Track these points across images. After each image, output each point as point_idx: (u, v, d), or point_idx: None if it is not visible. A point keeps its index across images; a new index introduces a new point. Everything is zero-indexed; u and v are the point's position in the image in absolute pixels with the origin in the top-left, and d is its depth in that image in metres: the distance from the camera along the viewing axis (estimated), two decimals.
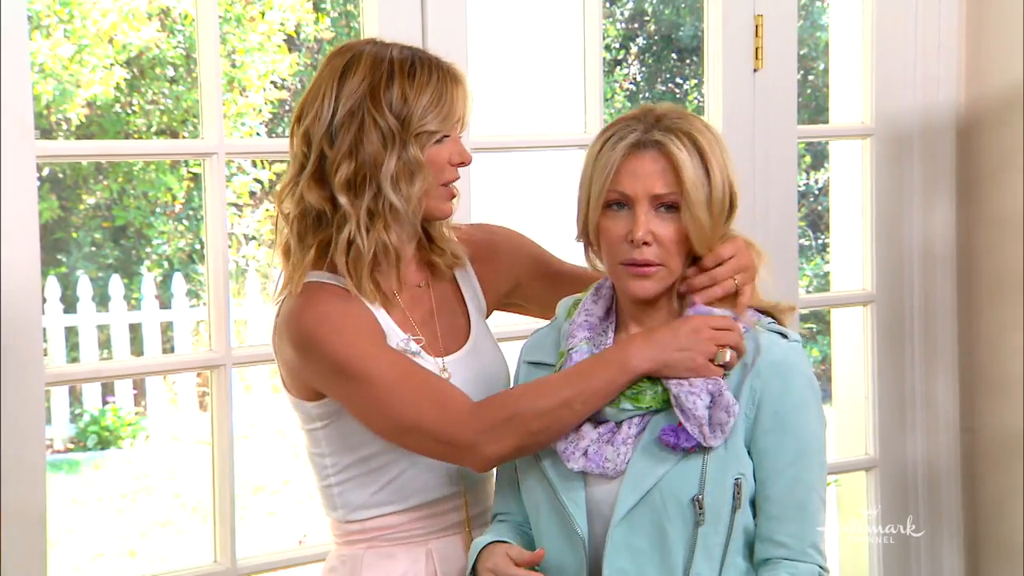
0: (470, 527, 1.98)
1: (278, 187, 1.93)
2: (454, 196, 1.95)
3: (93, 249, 10.11)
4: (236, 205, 9.88)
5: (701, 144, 1.82)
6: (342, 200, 1.85)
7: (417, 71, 1.88)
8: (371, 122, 1.85)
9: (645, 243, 1.82)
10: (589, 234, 1.89)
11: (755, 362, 1.82)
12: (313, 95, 1.89)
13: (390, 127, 1.85)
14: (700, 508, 1.78)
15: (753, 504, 1.83)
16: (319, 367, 1.86)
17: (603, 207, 1.85)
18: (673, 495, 1.79)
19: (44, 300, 8.50)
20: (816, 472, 1.83)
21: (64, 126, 9.67)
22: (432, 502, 1.93)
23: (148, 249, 10.12)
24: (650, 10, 11.19)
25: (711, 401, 1.79)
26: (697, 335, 1.78)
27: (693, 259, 1.88)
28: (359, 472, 1.91)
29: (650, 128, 1.83)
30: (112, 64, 9.54)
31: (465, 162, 1.94)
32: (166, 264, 10.01)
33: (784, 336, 1.86)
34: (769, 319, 1.89)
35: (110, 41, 9.49)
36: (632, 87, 11.10)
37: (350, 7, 10.52)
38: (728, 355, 1.80)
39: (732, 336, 1.80)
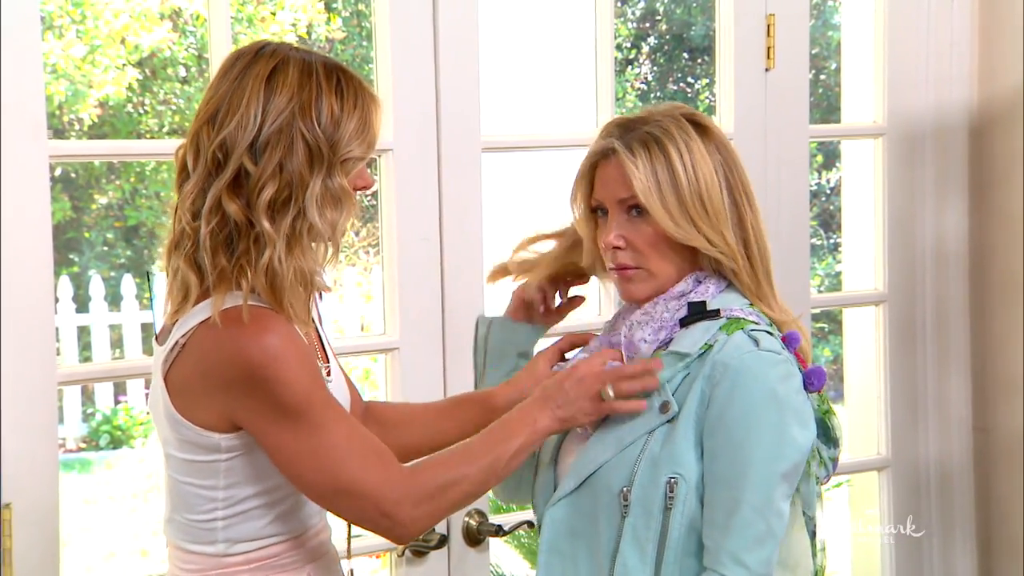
0: (349, 547, 2.03)
1: (177, 189, 1.80)
2: None
3: (105, 249, 10.14)
4: None
5: (666, 146, 1.85)
6: (264, 223, 1.73)
7: (344, 91, 1.79)
8: (301, 140, 1.74)
9: (617, 247, 1.87)
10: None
11: (710, 361, 1.81)
12: (234, 100, 1.76)
13: (320, 147, 1.75)
14: (625, 500, 1.81)
15: None
16: (261, 406, 1.73)
17: (592, 216, 1.93)
18: (606, 484, 1.83)
19: (56, 300, 8.53)
20: (755, 482, 1.76)
21: (76, 126, 9.70)
22: (314, 526, 1.90)
23: (160, 249, 10.14)
24: (661, 9, 11.19)
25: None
26: (580, 385, 1.83)
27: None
28: (254, 505, 1.83)
29: (617, 136, 1.88)
30: (124, 65, 9.57)
31: (368, 187, 1.86)
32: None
33: (757, 343, 1.82)
34: (754, 324, 1.85)
35: (122, 42, 9.52)
36: (643, 87, 11.10)
37: (361, 7, 10.53)
38: (611, 391, 1.83)
39: (609, 374, 1.83)
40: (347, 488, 1.76)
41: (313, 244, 1.78)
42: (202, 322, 1.76)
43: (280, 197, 1.75)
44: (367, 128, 1.80)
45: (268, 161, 1.74)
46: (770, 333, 1.85)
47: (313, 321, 1.92)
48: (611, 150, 1.88)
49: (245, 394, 1.74)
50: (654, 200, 1.84)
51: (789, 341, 1.87)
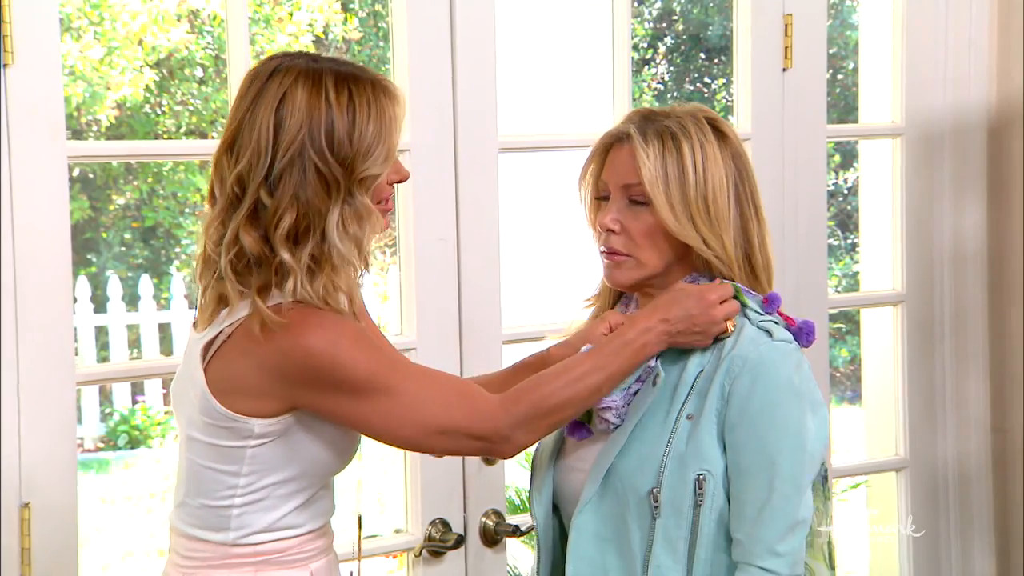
0: (360, 547, 2.05)
1: (203, 219, 1.84)
2: (390, 210, 1.89)
3: (123, 249, 10.18)
4: None
5: (681, 143, 1.87)
6: (284, 254, 1.75)
7: (356, 104, 1.78)
8: (313, 169, 1.75)
9: (612, 231, 1.89)
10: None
11: (728, 356, 1.83)
12: (247, 130, 1.78)
13: (334, 175, 1.76)
14: (656, 502, 1.81)
15: None
16: (330, 392, 1.77)
17: (595, 199, 1.95)
18: (632, 487, 1.83)
19: (75, 300, 8.58)
20: (783, 472, 1.79)
21: (94, 127, 9.74)
22: (322, 526, 1.91)
23: (177, 249, 10.18)
24: (678, 9, 11.18)
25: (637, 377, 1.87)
26: (712, 317, 1.84)
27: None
28: (271, 495, 1.83)
29: (636, 123, 1.90)
30: (142, 66, 9.61)
31: (403, 179, 1.87)
32: (195, 264, 10.07)
33: (770, 334, 1.84)
34: (762, 315, 1.87)
35: (140, 43, 9.55)
36: (660, 87, 11.09)
37: (378, 7, 10.55)
38: (730, 327, 1.85)
39: (735, 307, 1.86)
40: (439, 428, 1.81)
41: (342, 263, 1.79)
42: (251, 314, 1.78)
43: (300, 227, 1.77)
44: (383, 136, 1.80)
45: (283, 193, 1.76)
46: (776, 322, 1.87)
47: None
48: (626, 135, 1.90)
49: (311, 386, 1.77)
50: (659, 191, 1.86)
51: (771, 302, 1.89)
